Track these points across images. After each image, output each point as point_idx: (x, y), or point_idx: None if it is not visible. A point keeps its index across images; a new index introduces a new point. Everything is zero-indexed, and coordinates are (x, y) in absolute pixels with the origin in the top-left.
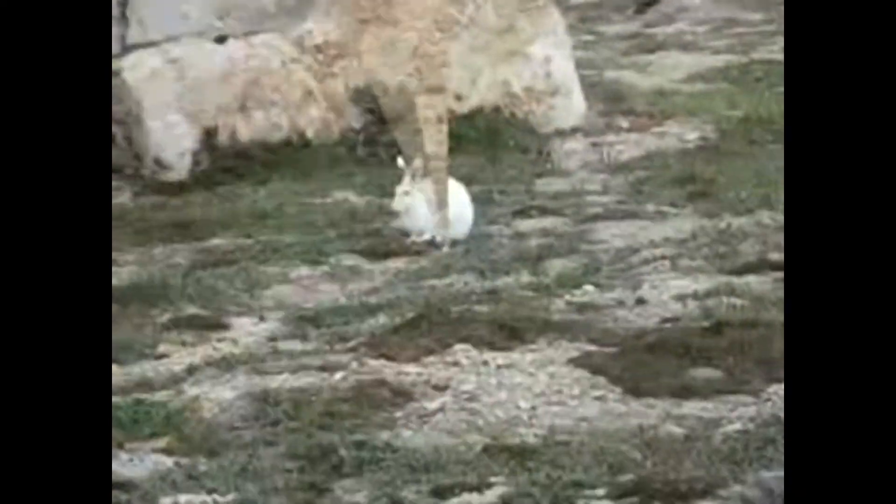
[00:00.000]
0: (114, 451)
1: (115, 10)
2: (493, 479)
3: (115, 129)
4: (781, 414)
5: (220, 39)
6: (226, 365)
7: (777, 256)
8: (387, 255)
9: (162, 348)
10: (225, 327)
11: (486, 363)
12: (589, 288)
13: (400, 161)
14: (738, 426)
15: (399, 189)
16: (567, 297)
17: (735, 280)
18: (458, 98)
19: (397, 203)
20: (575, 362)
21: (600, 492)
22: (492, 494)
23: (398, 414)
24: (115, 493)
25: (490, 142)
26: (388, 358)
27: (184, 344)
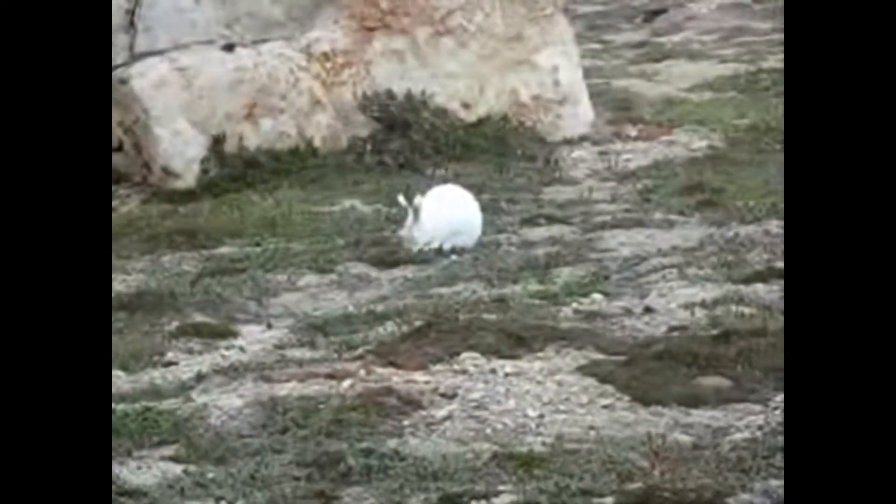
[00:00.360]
0: (122, 459)
1: (123, 19)
2: (501, 488)
3: (123, 137)
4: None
5: (228, 48)
6: (234, 373)
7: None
8: (395, 263)
9: (170, 356)
10: (233, 335)
11: (493, 371)
12: (597, 296)
13: (401, 199)
14: (745, 434)
15: (404, 231)
16: (575, 305)
17: (743, 289)
18: (466, 107)
19: (406, 236)
20: (583, 370)
21: (608, 500)
22: (500, 503)
23: (406, 422)
24: (123, 500)
25: (498, 150)
26: (396, 366)
27: (192, 352)
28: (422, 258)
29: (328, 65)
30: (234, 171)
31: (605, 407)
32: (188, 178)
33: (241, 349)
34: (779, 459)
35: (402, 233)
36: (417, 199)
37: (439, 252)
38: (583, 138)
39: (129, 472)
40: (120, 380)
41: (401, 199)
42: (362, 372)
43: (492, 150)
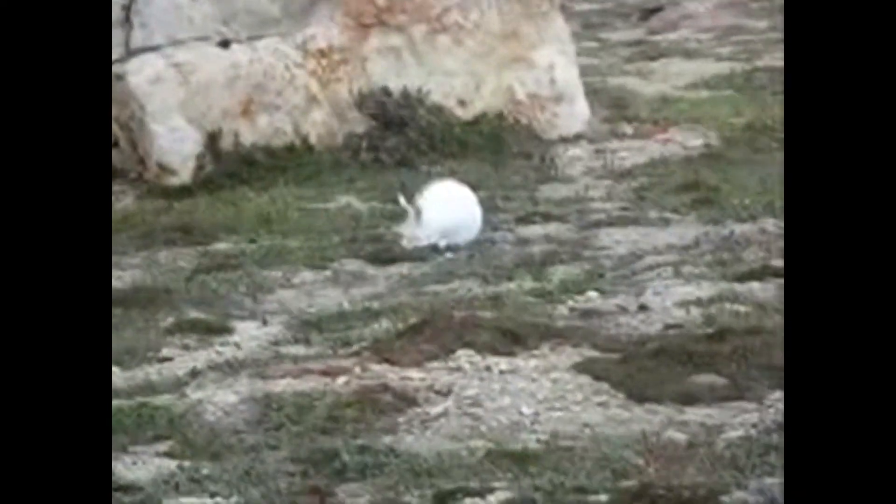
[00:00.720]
0: (117, 454)
1: (119, 14)
2: (495, 485)
3: (118, 133)
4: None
5: (224, 44)
6: (229, 369)
7: (780, 263)
8: (390, 260)
9: (165, 352)
10: (228, 331)
11: (489, 369)
12: (592, 294)
13: (401, 199)
14: (740, 432)
15: (404, 229)
16: (570, 303)
17: (738, 287)
18: (462, 104)
19: (407, 234)
20: (578, 368)
21: (603, 497)
22: (494, 500)
23: (401, 419)
24: (117, 496)
25: (494, 148)
26: (391, 363)
27: (187, 348)
28: (417, 255)
29: (324, 61)
30: (229, 167)
31: (599, 404)
32: (184, 175)
33: (237, 345)
34: (773, 457)
35: (403, 230)
36: (418, 201)
37: (435, 249)
38: (579, 136)
39: (124, 467)
40: (115, 376)
41: (401, 200)
42: (357, 369)
43: (488, 148)
